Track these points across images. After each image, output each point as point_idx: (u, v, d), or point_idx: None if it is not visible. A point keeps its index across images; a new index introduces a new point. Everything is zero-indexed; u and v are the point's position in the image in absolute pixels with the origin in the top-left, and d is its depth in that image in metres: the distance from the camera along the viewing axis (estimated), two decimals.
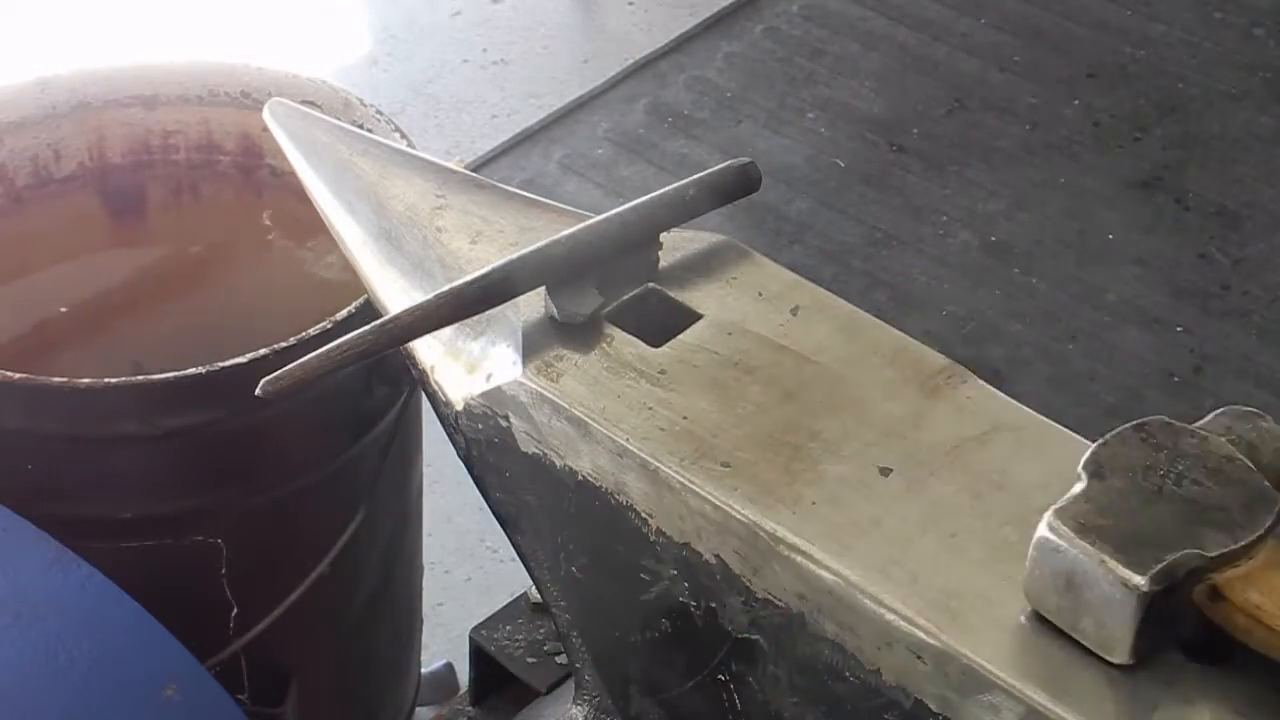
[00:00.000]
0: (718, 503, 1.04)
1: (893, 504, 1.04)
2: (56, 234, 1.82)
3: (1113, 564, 0.93)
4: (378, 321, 1.15)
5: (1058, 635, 0.96)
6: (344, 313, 1.55)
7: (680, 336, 1.14)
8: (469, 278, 1.14)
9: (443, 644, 2.13)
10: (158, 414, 1.52)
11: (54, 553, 1.30)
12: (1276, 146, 3.04)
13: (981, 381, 1.13)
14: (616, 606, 1.16)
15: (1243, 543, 0.95)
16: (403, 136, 1.67)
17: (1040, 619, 0.97)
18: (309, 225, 1.37)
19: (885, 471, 1.06)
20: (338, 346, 1.14)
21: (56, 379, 1.48)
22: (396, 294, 1.23)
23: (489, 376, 1.15)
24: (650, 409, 1.09)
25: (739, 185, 1.22)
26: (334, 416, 1.63)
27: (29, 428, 1.52)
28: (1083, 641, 0.95)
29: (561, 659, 1.57)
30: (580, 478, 1.11)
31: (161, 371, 1.50)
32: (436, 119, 3.12)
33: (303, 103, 1.52)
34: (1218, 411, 1.03)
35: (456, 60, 3.27)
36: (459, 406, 1.17)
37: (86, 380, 1.48)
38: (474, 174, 1.33)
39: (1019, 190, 2.97)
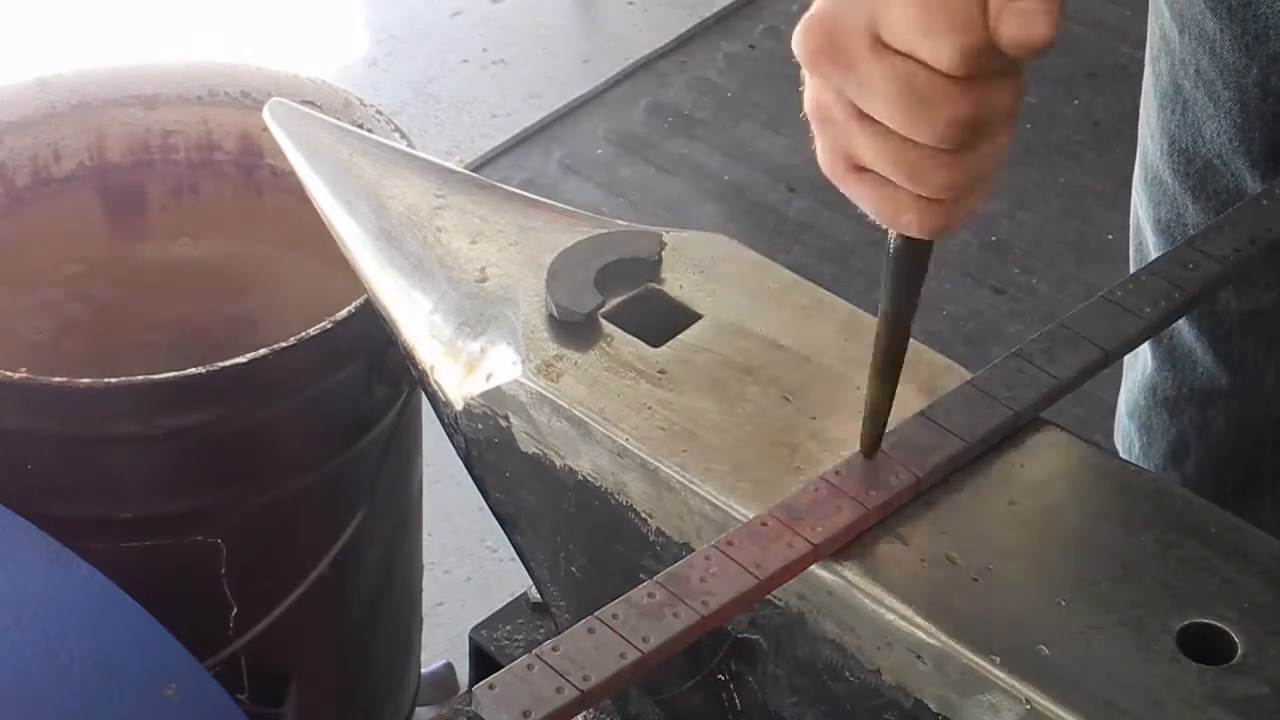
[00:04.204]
0: (718, 503, 1.04)
1: None
2: (56, 234, 1.82)
3: None
4: None
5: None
6: (344, 313, 1.55)
7: (680, 336, 1.14)
8: None
9: (443, 644, 2.13)
10: (157, 414, 1.52)
11: (54, 552, 1.30)
12: None
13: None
14: None
15: None
16: (403, 136, 1.67)
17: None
18: (309, 225, 1.36)
19: None
20: None
21: (56, 379, 1.48)
22: (396, 294, 1.23)
23: (489, 376, 1.14)
24: (650, 409, 1.09)
25: None
26: (334, 416, 1.63)
27: (29, 428, 1.52)
28: None
29: None
30: (580, 478, 1.11)
31: (162, 372, 1.50)
32: (436, 119, 3.12)
33: (303, 103, 1.52)
34: None
35: (456, 60, 3.26)
36: (459, 406, 1.17)
37: (86, 380, 1.48)
38: (474, 174, 1.33)
39: (1019, 190, 2.97)
